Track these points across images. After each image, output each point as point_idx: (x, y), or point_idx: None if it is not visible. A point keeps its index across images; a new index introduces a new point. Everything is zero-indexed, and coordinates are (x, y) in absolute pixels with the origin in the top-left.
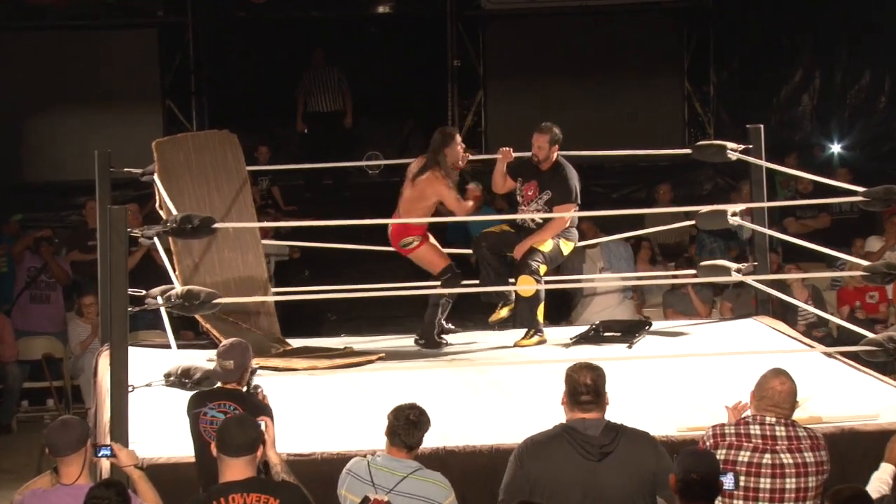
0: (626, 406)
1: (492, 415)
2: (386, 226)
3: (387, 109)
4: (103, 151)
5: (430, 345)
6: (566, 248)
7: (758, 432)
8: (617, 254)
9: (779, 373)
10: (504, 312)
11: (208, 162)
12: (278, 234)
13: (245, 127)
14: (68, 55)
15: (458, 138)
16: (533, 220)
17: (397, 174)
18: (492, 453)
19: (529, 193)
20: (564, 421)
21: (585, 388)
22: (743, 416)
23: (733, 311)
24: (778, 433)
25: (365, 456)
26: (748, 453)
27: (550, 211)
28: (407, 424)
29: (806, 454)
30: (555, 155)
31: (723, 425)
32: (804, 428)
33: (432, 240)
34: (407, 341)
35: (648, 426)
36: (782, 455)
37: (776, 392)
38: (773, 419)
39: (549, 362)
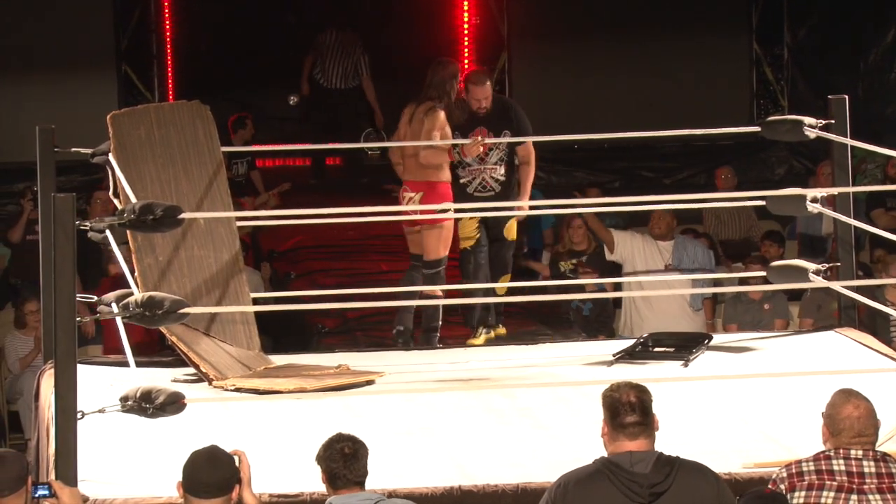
0: (681, 436)
1: (519, 448)
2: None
3: (387, 76)
4: (46, 127)
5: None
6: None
7: (842, 468)
8: (692, 254)
9: (848, 395)
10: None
11: (174, 139)
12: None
13: (219, 97)
14: (2, 12)
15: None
16: (494, 180)
17: None
18: (517, 494)
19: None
20: (606, 454)
21: (630, 406)
22: (822, 451)
23: (815, 323)
24: (866, 469)
25: None
26: (832, 493)
27: (514, 155)
28: (346, 461)
29: None
30: None
31: (799, 462)
32: None
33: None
34: (416, 357)
35: (708, 460)
36: (871, 496)
37: (854, 419)
38: (860, 452)
39: (589, 384)
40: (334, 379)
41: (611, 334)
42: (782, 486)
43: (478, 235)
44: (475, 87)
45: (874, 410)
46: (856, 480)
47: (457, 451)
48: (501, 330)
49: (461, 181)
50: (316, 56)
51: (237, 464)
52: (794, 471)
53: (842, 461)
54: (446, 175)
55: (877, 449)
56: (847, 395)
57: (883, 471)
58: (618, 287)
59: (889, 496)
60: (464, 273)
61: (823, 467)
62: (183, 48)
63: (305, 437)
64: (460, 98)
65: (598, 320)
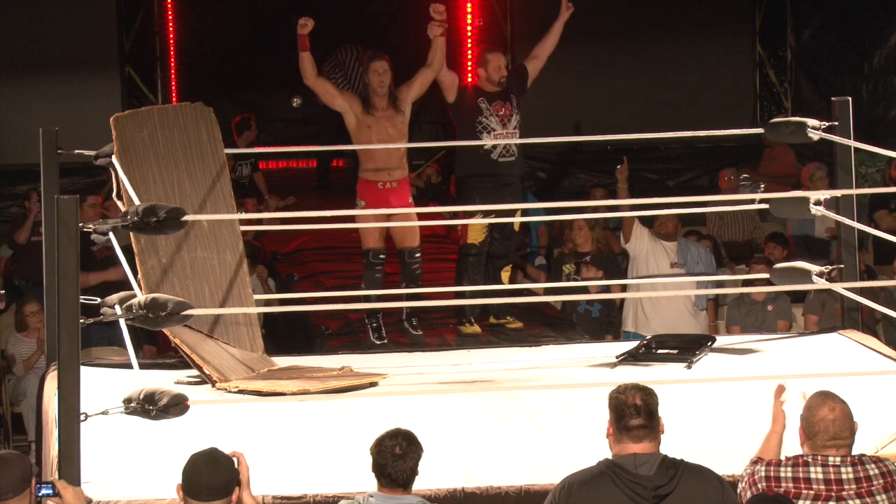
0: (684, 439)
1: (522, 450)
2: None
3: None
4: (49, 129)
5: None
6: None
7: (819, 476)
8: (695, 255)
9: (825, 398)
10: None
11: (178, 141)
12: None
13: (222, 99)
14: (5, 14)
15: (377, 65)
16: (515, 145)
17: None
18: (521, 496)
19: (502, 112)
20: (610, 455)
21: (635, 409)
22: (801, 455)
23: (820, 321)
24: (844, 475)
25: (353, 498)
26: (808, 503)
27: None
28: (394, 460)
29: (878, 497)
30: None
31: (777, 465)
32: (875, 464)
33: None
34: (419, 359)
35: (711, 462)
36: (850, 501)
37: (829, 422)
38: (838, 458)
39: (593, 386)
40: (338, 381)
41: (618, 335)
42: (760, 486)
43: (486, 233)
44: (493, 55)
45: (850, 413)
46: (834, 488)
47: (460, 452)
48: (518, 323)
49: (485, 147)
50: (333, 65)
51: (236, 466)
52: (772, 474)
53: (819, 468)
54: (364, 174)
55: (860, 452)
56: (823, 398)
57: (861, 475)
58: (622, 287)
59: (868, 500)
60: (461, 265)
61: (801, 475)
62: (186, 50)
63: (309, 439)
64: (469, 85)
65: (607, 320)
